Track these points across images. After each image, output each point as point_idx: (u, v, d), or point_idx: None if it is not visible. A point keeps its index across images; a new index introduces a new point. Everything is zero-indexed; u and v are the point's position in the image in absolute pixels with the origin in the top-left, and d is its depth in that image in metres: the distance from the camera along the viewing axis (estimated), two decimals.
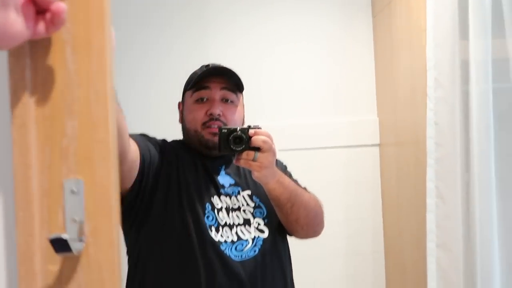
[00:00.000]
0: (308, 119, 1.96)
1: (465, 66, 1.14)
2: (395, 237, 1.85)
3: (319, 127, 1.94)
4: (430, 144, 1.18)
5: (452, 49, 1.14)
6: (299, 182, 1.18)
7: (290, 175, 1.17)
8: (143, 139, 1.06)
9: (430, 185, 1.18)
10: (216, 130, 1.03)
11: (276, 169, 1.01)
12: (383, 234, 1.96)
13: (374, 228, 1.96)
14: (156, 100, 1.82)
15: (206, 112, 1.07)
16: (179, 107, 1.18)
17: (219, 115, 1.07)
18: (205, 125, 1.07)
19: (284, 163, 1.22)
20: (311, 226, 1.11)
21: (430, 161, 1.18)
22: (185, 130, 1.14)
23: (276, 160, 1.11)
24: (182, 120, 1.16)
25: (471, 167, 1.15)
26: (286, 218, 1.07)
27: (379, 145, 1.97)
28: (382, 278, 1.97)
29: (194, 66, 1.19)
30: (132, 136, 0.99)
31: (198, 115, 1.08)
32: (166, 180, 1.06)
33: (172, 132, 1.18)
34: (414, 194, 1.49)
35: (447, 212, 1.16)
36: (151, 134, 1.15)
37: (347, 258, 1.93)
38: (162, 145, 1.11)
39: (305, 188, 1.15)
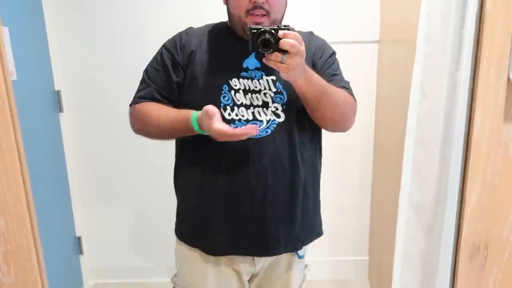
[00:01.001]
0: (307, 12, 1.87)
1: None
2: (383, 135, 1.87)
3: (318, 20, 1.85)
4: (420, 38, 1.11)
5: None
6: (341, 74, 1.24)
7: (333, 64, 1.22)
8: (162, 78, 1.21)
9: (415, 81, 1.14)
10: (259, 20, 1.11)
11: (305, 68, 1.04)
12: (373, 131, 1.98)
13: (365, 127, 1.97)
14: None
15: (250, 0, 1.09)
16: None
17: (263, 2, 1.10)
18: (248, 12, 1.11)
19: (332, 50, 1.25)
20: (338, 122, 1.18)
21: (418, 56, 1.12)
22: (229, 13, 1.19)
23: (325, 45, 1.24)
24: (226, 1, 1.19)
25: (461, 65, 1.10)
26: (312, 113, 1.14)
27: (378, 42, 1.89)
28: (369, 174, 2.04)
29: None
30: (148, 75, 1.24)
31: (242, 2, 1.11)
32: (186, 69, 1.18)
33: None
34: (404, 93, 1.46)
35: (429, 110, 1.13)
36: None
37: (336, 153, 1.97)
38: (179, 42, 1.21)
39: (347, 83, 1.22)
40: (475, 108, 1.03)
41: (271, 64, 1.01)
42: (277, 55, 0.98)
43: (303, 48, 1.00)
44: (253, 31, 1.00)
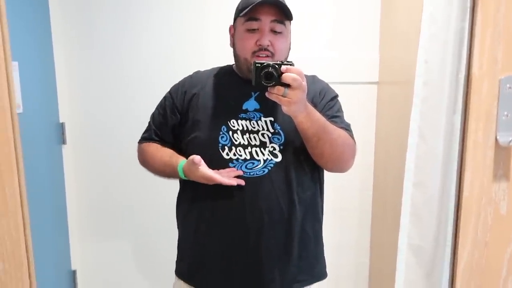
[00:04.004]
0: (309, 54, 1.92)
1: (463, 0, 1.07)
2: (382, 175, 1.87)
3: (319, 62, 1.89)
4: (418, 83, 1.14)
5: None
6: (342, 117, 1.26)
7: (333, 107, 1.25)
8: (159, 120, 1.30)
9: (413, 125, 1.16)
10: (264, 60, 1.10)
11: (306, 104, 1.07)
12: (373, 171, 1.99)
13: (364, 166, 1.98)
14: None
15: (256, 42, 1.15)
16: (230, 31, 1.27)
17: (268, 45, 1.16)
18: (254, 54, 1.17)
19: (334, 94, 1.28)
20: (336, 162, 1.19)
21: (416, 100, 1.15)
22: (236, 55, 1.23)
23: (327, 89, 1.27)
24: (233, 44, 1.24)
25: (457, 109, 1.12)
26: (312, 151, 1.15)
27: (377, 83, 1.93)
28: (368, 214, 2.03)
29: None
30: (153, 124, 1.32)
31: (249, 44, 1.16)
32: (187, 112, 1.24)
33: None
34: (402, 134, 1.48)
35: (427, 152, 1.15)
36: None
37: (336, 192, 1.97)
38: (181, 89, 1.27)
39: (348, 126, 1.24)
40: (465, 168, 1.07)
41: (273, 97, 1.03)
42: (279, 89, 1.01)
43: (305, 83, 1.02)
44: (256, 65, 1.03)
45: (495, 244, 1.09)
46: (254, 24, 1.16)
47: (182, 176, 1.18)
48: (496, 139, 1.05)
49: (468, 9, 1.04)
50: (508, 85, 1.03)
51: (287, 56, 1.24)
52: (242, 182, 1.14)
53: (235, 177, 1.16)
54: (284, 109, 1.04)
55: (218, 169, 1.17)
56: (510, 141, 1.02)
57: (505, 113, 1.04)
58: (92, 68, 1.98)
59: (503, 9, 1.01)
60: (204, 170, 1.13)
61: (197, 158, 1.11)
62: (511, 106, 1.04)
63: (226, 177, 1.14)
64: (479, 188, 1.07)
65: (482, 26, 1.02)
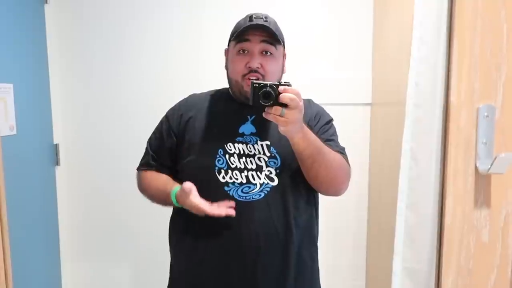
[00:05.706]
0: (303, 76, 1.94)
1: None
2: (377, 196, 1.87)
3: (314, 84, 1.91)
4: (409, 105, 1.15)
5: (439, 4, 1.08)
6: (336, 140, 1.26)
7: (328, 130, 1.25)
8: (156, 144, 1.30)
9: (405, 146, 1.17)
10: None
11: (302, 125, 1.07)
12: (367, 194, 1.98)
13: (359, 188, 1.98)
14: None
15: (246, 65, 1.16)
16: (225, 54, 1.28)
17: (257, 67, 1.16)
18: (244, 76, 1.17)
19: (329, 118, 1.29)
20: (331, 185, 1.19)
21: (408, 122, 1.16)
22: (228, 78, 1.25)
23: (322, 112, 1.27)
24: (226, 67, 1.25)
25: None
26: (306, 172, 1.15)
27: (371, 104, 1.95)
28: (364, 235, 2.02)
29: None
30: (150, 149, 1.31)
31: (239, 66, 1.17)
32: (183, 136, 1.23)
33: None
34: (396, 155, 1.49)
35: (419, 174, 1.15)
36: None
37: (331, 214, 1.96)
38: (177, 112, 1.28)
39: (343, 149, 1.24)
40: (446, 195, 1.08)
41: (270, 117, 1.03)
42: (276, 109, 1.01)
43: (301, 103, 1.03)
44: (254, 85, 1.03)
45: (479, 272, 1.09)
46: (244, 45, 1.17)
47: (175, 203, 1.17)
48: (476, 166, 1.05)
49: (445, 40, 1.06)
50: (485, 114, 1.05)
51: (280, 79, 1.24)
52: (232, 213, 1.12)
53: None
54: (281, 129, 1.04)
55: (214, 192, 1.15)
56: (489, 169, 1.02)
57: (484, 140, 1.06)
58: (86, 90, 1.99)
59: (479, 39, 1.04)
60: (194, 200, 1.10)
61: (187, 185, 1.10)
62: (489, 134, 1.05)
63: (216, 208, 1.11)
64: (461, 215, 1.08)
65: (459, 56, 1.05)
